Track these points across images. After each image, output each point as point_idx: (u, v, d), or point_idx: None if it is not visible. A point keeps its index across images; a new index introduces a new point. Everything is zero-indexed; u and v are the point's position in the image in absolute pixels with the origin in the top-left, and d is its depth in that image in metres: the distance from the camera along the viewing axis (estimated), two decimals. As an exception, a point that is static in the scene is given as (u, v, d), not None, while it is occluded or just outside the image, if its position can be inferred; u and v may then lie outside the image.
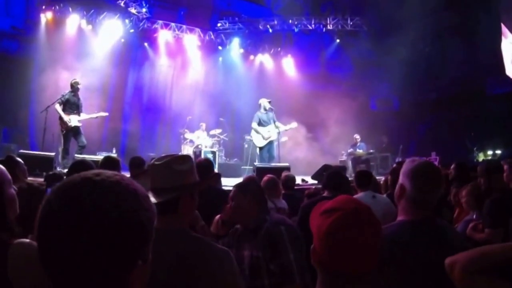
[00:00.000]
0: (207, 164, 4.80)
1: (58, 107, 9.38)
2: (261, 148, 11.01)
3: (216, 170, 12.39)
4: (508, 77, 13.65)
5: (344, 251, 1.36)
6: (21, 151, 9.30)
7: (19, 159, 3.91)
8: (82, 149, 9.57)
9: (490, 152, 14.24)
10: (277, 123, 10.96)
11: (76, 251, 0.85)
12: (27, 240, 1.60)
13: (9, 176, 1.80)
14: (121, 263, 0.90)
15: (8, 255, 1.53)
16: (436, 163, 11.91)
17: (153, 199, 1.84)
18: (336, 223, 1.37)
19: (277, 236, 2.77)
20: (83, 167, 3.45)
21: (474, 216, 4.01)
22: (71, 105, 9.52)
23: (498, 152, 14.01)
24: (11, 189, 1.78)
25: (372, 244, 1.40)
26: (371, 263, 1.40)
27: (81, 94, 9.84)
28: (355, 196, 4.40)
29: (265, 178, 5.19)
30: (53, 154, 8.98)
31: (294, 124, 11.44)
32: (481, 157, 13.93)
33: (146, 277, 0.99)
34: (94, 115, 10.03)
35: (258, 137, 10.99)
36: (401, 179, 2.20)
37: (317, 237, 1.43)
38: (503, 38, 13.73)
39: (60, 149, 9.86)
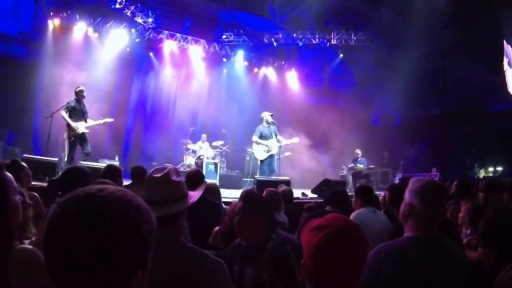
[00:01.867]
0: (197, 175, 4.81)
1: (65, 114, 9.42)
2: (262, 161, 11.00)
3: (217, 181, 12.46)
4: (509, 95, 13.70)
5: (332, 266, 1.42)
6: (25, 155, 9.26)
7: (24, 163, 3.96)
8: (86, 156, 9.58)
9: (491, 169, 14.27)
10: (279, 137, 10.99)
11: (81, 263, 0.89)
12: (28, 246, 1.64)
13: (15, 184, 1.84)
14: (123, 273, 0.94)
15: (9, 260, 1.55)
16: (436, 179, 11.96)
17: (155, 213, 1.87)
18: (324, 239, 1.43)
19: (283, 256, 2.71)
20: (77, 173, 3.54)
21: (469, 232, 4.03)
22: (77, 112, 9.56)
23: (499, 168, 14.04)
24: (16, 197, 1.81)
25: (359, 259, 1.46)
26: (357, 277, 1.46)
27: (85, 101, 9.87)
28: (356, 212, 4.47)
29: (267, 191, 5.16)
30: (56, 159, 8.97)
31: (295, 139, 11.48)
32: (482, 173, 13.97)
33: (145, 285, 1.02)
34: (100, 122, 10.07)
35: (259, 150, 11.00)
36: (408, 198, 2.26)
37: (307, 252, 1.48)
38: (505, 55, 13.81)
39: (64, 155, 9.86)
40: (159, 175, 2.06)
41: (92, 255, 0.89)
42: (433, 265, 2.08)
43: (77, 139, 9.52)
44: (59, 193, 3.30)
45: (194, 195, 2.19)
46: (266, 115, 11.06)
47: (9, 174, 1.84)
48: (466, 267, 2.23)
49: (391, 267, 2.07)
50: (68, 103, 9.61)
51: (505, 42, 13.75)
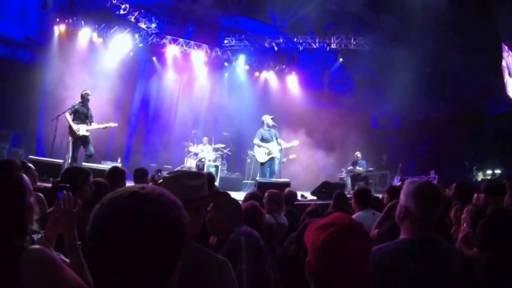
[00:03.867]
0: (209, 179, 4.87)
1: (68, 116, 9.67)
2: (262, 164, 11.14)
3: (217, 183, 12.63)
4: (507, 97, 13.78)
5: (337, 263, 1.46)
6: (30, 156, 9.44)
7: (30, 165, 4.01)
8: (89, 157, 9.78)
9: (489, 172, 14.31)
10: (279, 140, 11.11)
11: (134, 256, 0.97)
12: (39, 246, 1.67)
13: (31, 187, 1.91)
14: (169, 263, 1.03)
15: (21, 260, 1.58)
16: (435, 182, 12.09)
17: None
18: (330, 237, 1.47)
19: (236, 246, 2.88)
20: (76, 173, 3.62)
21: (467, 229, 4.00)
22: (80, 115, 9.79)
23: (498, 171, 14.10)
24: (31, 199, 1.88)
25: (363, 257, 1.50)
26: (361, 274, 1.51)
27: (90, 104, 10.08)
28: (356, 214, 4.63)
29: (270, 193, 5.22)
30: (61, 161, 9.16)
31: (295, 142, 11.57)
32: (480, 176, 14.02)
33: (179, 277, 1.09)
34: (103, 126, 10.22)
35: (260, 153, 11.12)
36: (403, 200, 2.26)
37: (312, 251, 1.52)
38: (503, 58, 13.93)
39: (68, 157, 10.11)
40: (170, 175, 2.13)
41: (143, 250, 0.97)
42: (428, 268, 2.07)
43: (79, 141, 9.73)
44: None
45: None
46: (267, 119, 11.18)
47: (26, 177, 1.91)
48: (462, 269, 2.23)
49: (386, 270, 2.07)
50: (73, 105, 9.84)
51: (503, 45, 13.87)
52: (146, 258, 0.98)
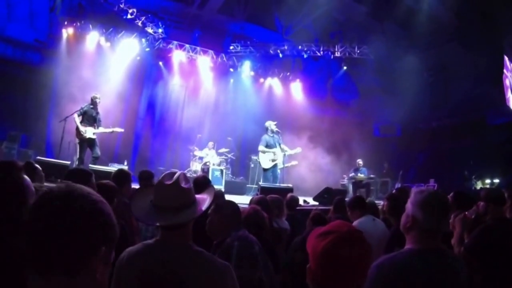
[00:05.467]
0: (204, 181, 4.77)
1: (77, 118, 9.82)
2: (266, 169, 11.28)
3: (223, 187, 12.78)
4: (508, 108, 13.93)
5: (337, 270, 1.49)
6: (38, 157, 9.57)
7: (37, 165, 4.04)
8: (95, 159, 9.91)
9: (488, 181, 14.43)
10: (283, 146, 11.26)
11: (55, 237, 1.10)
12: None
13: (33, 189, 1.91)
14: (88, 245, 1.14)
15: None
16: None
17: (165, 221, 2.03)
18: (330, 245, 1.50)
19: (229, 250, 2.87)
20: (79, 173, 3.72)
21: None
22: (89, 117, 9.92)
23: (496, 180, 14.22)
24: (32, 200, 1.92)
25: (362, 264, 1.52)
26: (360, 281, 1.53)
27: (98, 107, 10.23)
28: (357, 220, 4.68)
29: (271, 198, 5.22)
30: (68, 162, 9.24)
31: (298, 149, 11.67)
32: (479, 185, 14.14)
33: (107, 274, 1.23)
34: (109, 130, 10.32)
35: (265, 159, 11.25)
36: (411, 210, 2.22)
37: (313, 257, 1.55)
38: (505, 70, 14.10)
39: (75, 158, 10.27)
40: (169, 182, 2.09)
41: (62, 231, 1.10)
42: (435, 279, 2.05)
43: (86, 143, 9.86)
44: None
45: (204, 201, 2.23)
46: (271, 125, 11.31)
47: (27, 179, 1.92)
48: (468, 281, 2.21)
49: (393, 281, 2.05)
50: (81, 108, 9.97)
51: (505, 58, 14.03)
52: (65, 238, 1.09)
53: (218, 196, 4.99)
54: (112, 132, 10.52)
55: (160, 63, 16.66)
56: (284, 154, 11.28)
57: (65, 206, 1.12)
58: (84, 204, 1.15)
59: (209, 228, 3.07)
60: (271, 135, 11.30)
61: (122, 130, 10.75)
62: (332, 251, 1.49)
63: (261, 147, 11.21)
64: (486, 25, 14.02)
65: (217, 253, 2.83)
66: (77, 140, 10.04)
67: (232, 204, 3.30)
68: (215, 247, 3.00)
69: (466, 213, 4.12)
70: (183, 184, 2.10)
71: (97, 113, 10.15)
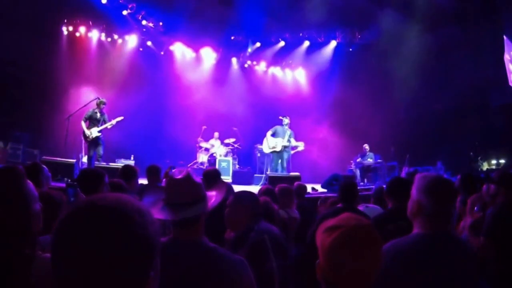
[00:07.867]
0: (215, 174, 4.81)
1: (83, 123, 10.49)
2: (272, 158, 11.90)
3: (230, 178, 12.89)
4: (511, 89, 13.96)
5: (345, 266, 1.43)
6: (44, 157, 9.75)
7: (44, 166, 4.05)
8: (99, 157, 10.51)
9: (494, 162, 14.53)
10: (292, 139, 11.81)
11: (97, 272, 0.90)
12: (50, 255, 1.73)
13: (36, 193, 1.86)
14: (136, 277, 0.95)
15: (33, 269, 1.56)
16: (442, 172, 12.33)
17: (177, 216, 2.00)
18: (337, 240, 1.45)
19: (261, 245, 2.79)
20: (91, 174, 3.69)
21: (476, 209, 3.98)
22: (93, 120, 10.49)
23: (502, 161, 14.31)
24: (37, 205, 1.82)
25: (373, 259, 1.46)
26: (371, 277, 1.47)
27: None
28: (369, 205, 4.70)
29: (280, 187, 5.22)
30: (73, 160, 9.48)
31: (301, 144, 12.04)
32: (485, 166, 14.25)
33: (157, 285, 1.04)
34: (110, 124, 10.60)
35: (264, 145, 11.96)
36: (416, 195, 2.23)
37: (321, 253, 1.50)
38: (505, 50, 14.11)
39: (81, 156, 11.50)
40: (180, 176, 2.08)
41: (107, 265, 0.91)
42: (442, 263, 2.05)
43: (93, 143, 10.45)
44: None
45: (215, 195, 2.21)
46: (285, 120, 11.97)
47: (30, 183, 1.86)
48: (476, 265, 2.22)
49: (401, 266, 2.04)
50: (86, 113, 10.58)
51: (505, 38, 14.02)
52: (113, 272, 0.91)
53: (230, 190, 4.97)
54: (114, 123, 10.74)
55: (162, 56, 16.74)
56: (285, 146, 11.69)
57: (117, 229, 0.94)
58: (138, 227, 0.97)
59: (228, 221, 3.03)
60: (282, 127, 11.88)
61: (122, 117, 10.89)
62: (339, 247, 1.44)
63: (268, 133, 11.88)
64: (485, 6, 14.03)
65: (243, 248, 2.78)
66: (84, 141, 10.84)
67: (252, 195, 3.25)
68: (237, 241, 2.93)
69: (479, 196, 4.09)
70: (194, 178, 2.10)
71: (102, 114, 10.62)
